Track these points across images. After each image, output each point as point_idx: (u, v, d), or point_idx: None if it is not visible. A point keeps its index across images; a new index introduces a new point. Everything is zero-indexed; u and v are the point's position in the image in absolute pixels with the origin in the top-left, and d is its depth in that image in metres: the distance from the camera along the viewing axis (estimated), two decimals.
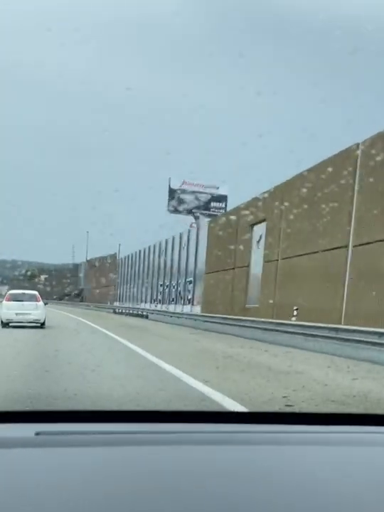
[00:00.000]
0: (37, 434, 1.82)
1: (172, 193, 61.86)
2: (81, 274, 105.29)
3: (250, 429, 2.09)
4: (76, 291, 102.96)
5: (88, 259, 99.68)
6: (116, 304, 66.52)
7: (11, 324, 25.75)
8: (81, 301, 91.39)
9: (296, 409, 7.36)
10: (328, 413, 2.40)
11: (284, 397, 8.56)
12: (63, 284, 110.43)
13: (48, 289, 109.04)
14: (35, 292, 28.26)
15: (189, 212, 60.87)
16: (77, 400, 7.48)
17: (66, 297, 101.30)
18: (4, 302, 26.58)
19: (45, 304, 27.79)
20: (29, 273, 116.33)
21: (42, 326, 25.91)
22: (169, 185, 62.14)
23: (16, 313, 25.80)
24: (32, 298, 26.94)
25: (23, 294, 27.97)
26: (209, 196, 62.09)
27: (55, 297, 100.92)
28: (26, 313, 25.78)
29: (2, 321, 25.98)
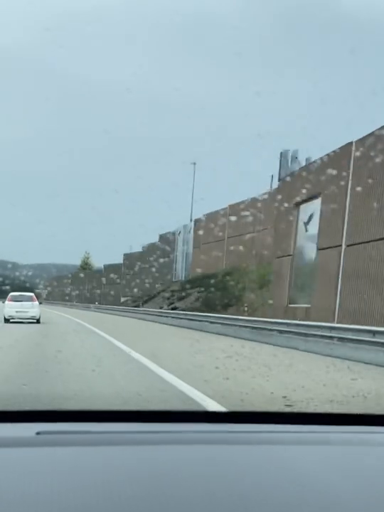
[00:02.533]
0: (38, 433, 1.82)
1: None
2: (181, 250, 53.87)
3: (249, 428, 2.09)
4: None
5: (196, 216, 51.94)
6: None
7: (11, 320, 30.80)
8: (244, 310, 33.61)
9: (294, 409, 7.37)
10: (327, 413, 2.41)
11: (284, 397, 8.56)
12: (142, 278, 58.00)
13: (98, 290, 72.60)
14: (32, 294, 33.27)
15: None
16: (77, 399, 7.48)
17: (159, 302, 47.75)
18: (6, 302, 31.69)
19: (40, 303, 33.17)
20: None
21: (37, 321, 30.61)
22: None
23: (16, 311, 30.81)
24: (29, 299, 31.99)
25: (22, 295, 32.72)
26: None
27: (127, 299, 58.92)
28: (24, 311, 30.81)
29: (5, 318, 30.86)
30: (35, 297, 32.57)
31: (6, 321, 30.80)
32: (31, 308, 31.18)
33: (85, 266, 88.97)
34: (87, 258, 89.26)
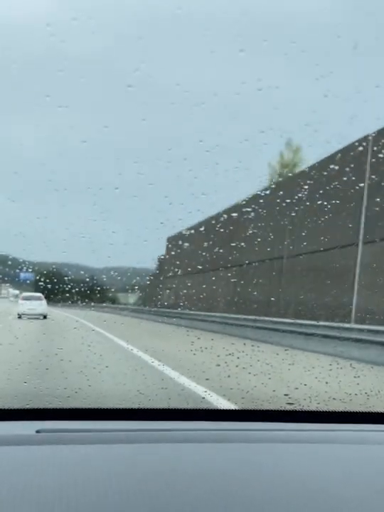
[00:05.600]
0: (38, 431, 1.81)
1: None
2: None
3: (251, 427, 2.08)
4: None
5: None
6: None
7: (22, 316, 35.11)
8: None
9: (297, 407, 7.34)
10: (329, 411, 2.39)
11: (286, 395, 8.54)
12: None
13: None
14: (40, 294, 38.46)
15: None
16: (77, 397, 7.46)
17: None
18: (19, 301, 36.47)
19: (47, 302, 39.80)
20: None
21: (45, 317, 34.92)
22: None
23: (28, 308, 35.21)
24: (38, 298, 36.58)
25: (32, 295, 37.74)
26: None
27: None
28: (34, 309, 34.96)
29: (18, 314, 35.58)
30: (43, 297, 37.78)
31: (19, 316, 36.40)
32: (39, 306, 35.64)
33: (284, 174, 26.40)
34: (297, 149, 27.80)
